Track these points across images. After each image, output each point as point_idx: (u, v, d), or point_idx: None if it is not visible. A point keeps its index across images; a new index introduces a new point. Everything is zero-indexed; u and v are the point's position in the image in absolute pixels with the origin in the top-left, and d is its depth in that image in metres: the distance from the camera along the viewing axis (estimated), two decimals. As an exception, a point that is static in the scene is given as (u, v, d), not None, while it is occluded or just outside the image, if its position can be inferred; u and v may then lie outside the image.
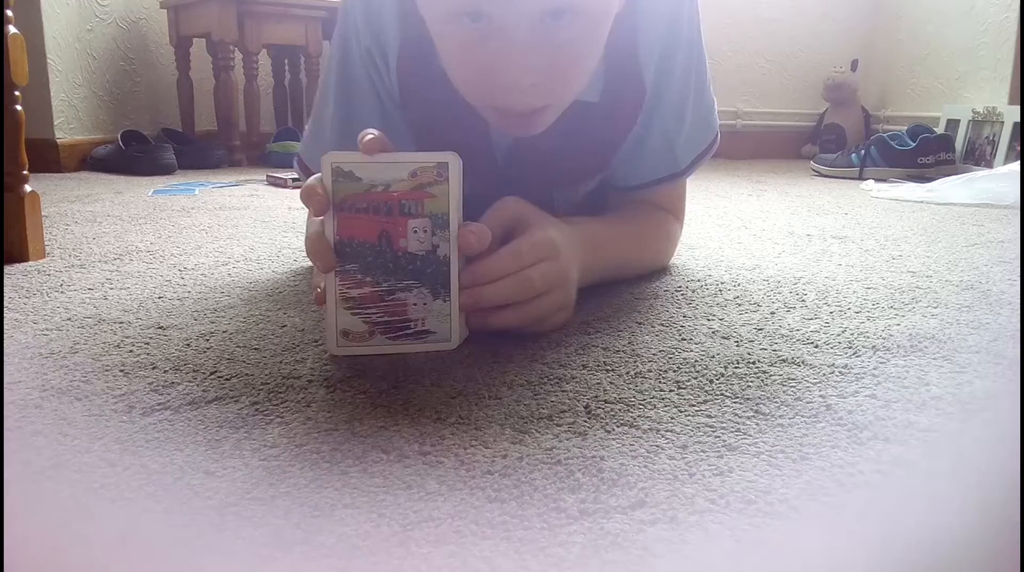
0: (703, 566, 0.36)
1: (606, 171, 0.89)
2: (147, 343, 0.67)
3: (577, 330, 0.71)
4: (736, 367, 0.62)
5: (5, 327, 0.71)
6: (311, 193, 0.59)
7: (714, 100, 0.89)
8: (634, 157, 0.87)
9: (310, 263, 0.99)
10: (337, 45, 0.83)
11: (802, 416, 0.53)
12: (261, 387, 0.58)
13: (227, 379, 0.59)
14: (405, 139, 0.84)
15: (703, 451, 0.48)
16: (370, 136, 0.59)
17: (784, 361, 0.64)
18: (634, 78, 0.81)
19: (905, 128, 2.48)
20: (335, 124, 0.85)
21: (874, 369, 0.62)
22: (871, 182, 2.07)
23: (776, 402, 0.55)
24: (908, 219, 1.48)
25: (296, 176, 1.91)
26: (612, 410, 0.54)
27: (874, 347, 0.68)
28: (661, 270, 0.97)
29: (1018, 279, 0.94)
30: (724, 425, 0.52)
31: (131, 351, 0.65)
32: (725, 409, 0.54)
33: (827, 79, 2.94)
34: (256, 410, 0.53)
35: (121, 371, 0.61)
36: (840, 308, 0.81)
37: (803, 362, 0.64)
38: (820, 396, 0.57)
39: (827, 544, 0.38)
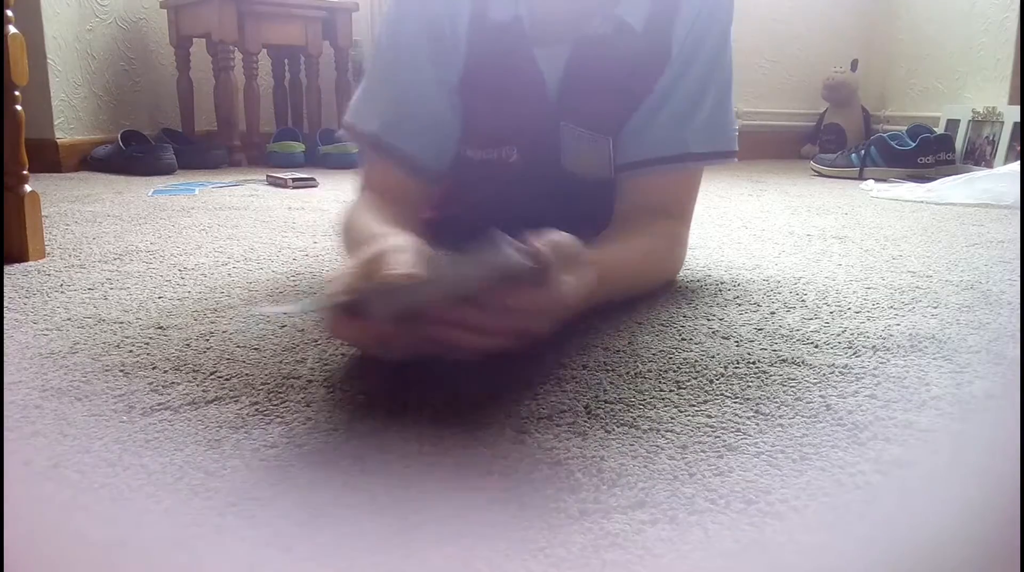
0: (703, 566, 0.36)
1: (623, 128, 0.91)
2: (147, 343, 0.67)
3: (577, 330, 0.71)
4: (736, 367, 0.62)
5: (5, 327, 0.71)
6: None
7: (735, 122, 0.95)
8: (642, 128, 0.89)
9: (309, 263, 0.99)
10: (391, 21, 0.88)
11: (802, 416, 0.53)
12: (261, 387, 0.58)
13: (227, 379, 0.59)
14: (456, 110, 0.88)
15: (703, 451, 0.48)
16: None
17: (784, 361, 0.64)
18: (664, 38, 0.86)
19: (905, 128, 2.48)
20: (388, 96, 0.88)
21: (874, 369, 0.62)
22: (871, 182, 2.07)
23: (776, 402, 0.55)
24: (908, 219, 1.48)
25: (296, 176, 1.91)
26: (612, 410, 0.54)
27: (874, 347, 0.68)
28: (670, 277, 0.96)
29: (1018, 279, 0.94)
30: (724, 425, 0.52)
31: (131, 351, 0.65)
32: (725, 409, 0.54)
33: (827, 79, 2.94)
34: (256, 410, 0.53)
35: (121, 371, 0.61)
36: (840, 308, 0.81)
37: (803, 362, 0.64)
38: (820, 396, 0.56)
39: (827, 544, 0.38)
